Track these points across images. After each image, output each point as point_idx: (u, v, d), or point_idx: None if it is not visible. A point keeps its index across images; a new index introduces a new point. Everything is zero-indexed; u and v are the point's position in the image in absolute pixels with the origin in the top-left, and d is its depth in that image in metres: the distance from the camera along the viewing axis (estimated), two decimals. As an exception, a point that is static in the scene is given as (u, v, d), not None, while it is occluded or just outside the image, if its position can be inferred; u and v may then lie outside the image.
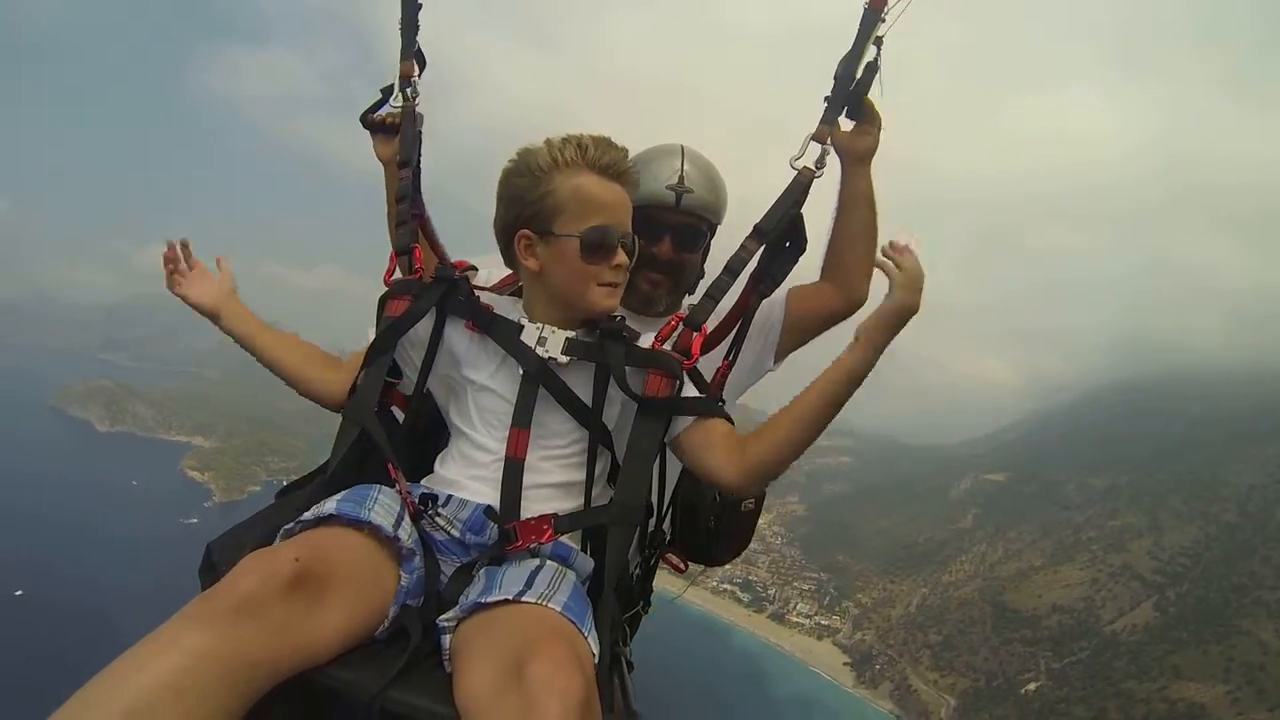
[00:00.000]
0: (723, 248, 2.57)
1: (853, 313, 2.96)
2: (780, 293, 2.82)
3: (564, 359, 2.15)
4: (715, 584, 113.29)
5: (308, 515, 1.92)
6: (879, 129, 2.70)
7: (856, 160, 2.74)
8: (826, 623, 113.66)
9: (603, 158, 2.13)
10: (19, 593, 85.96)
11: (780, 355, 3.02)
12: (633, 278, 2.43)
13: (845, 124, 2.69)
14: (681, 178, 2.78)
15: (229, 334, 2.58)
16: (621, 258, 2.17)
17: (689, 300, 2.97)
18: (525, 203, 2.17)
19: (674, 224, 2.79)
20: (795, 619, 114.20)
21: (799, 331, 2.98)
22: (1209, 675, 75.75)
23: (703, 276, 3.00)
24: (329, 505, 1.93)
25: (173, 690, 1.37)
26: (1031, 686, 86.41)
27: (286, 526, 1.92)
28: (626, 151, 2.20)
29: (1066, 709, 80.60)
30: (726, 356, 2.55)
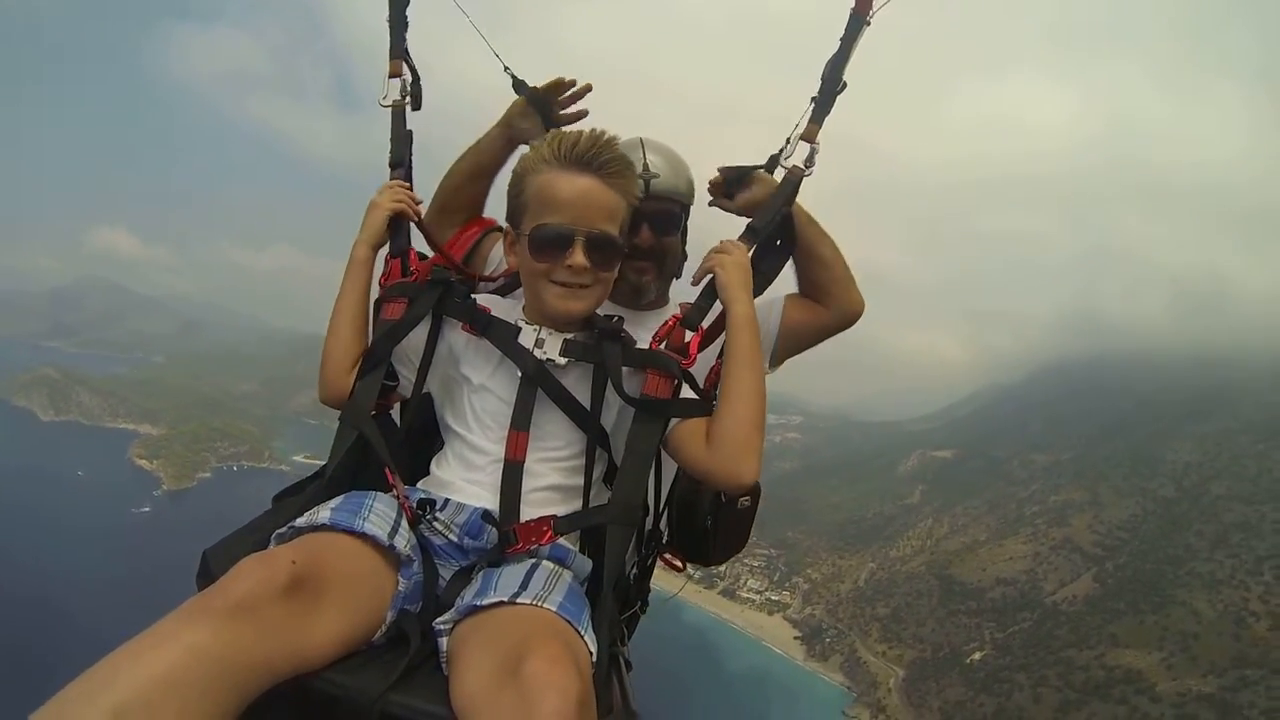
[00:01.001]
0: (711, 236, 2.60)
1: (851, 324, 2.95)
2: (779, 298, 2.90)
3: (562, 361, 2.16)
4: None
5: (301, 521, 1.91)
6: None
7: (783, 200, 2.71)
8: (777, 598, 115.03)
9: (573, 150, 2.11)
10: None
11: (775, 360, 2.96)
12: (620, 269, 2.36)
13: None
14: (646, 166, 2.77)
15: (351, 259, 2.46)
16: (576, 258, 2.11)
17: (676, 284, 3.03)
18: (508, 200, 2.25)
19: (648, 211, 2.72)
20: (746, 594, 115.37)
21: (794, 339, 2.94)
22: (1145, 643, 77.89)
23: (685, 259, 3.00)
24: (323, 514, 1.91)
25: (168, 686, 1.36)
26: (976, 656, 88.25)
27: (279, 531, 1.91)
28: (609, 142, 2.16)
29: (1009, 676, 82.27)
30: (721, 356, 2.44)
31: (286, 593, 1.58)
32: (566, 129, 2.18)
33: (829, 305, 2.88)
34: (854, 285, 2.87)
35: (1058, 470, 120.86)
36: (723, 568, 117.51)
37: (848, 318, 2.92)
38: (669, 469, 2.48)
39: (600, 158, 2.11)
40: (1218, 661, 73.08)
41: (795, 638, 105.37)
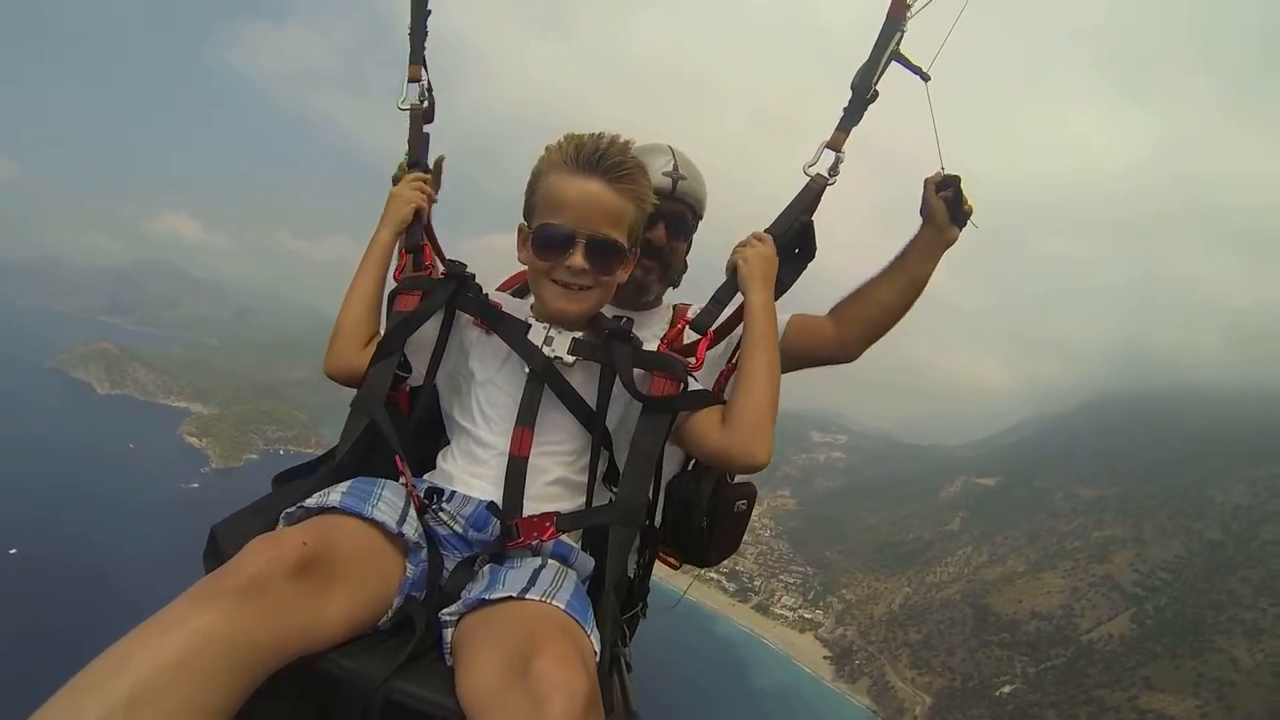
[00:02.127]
0: (719, 250, 2.65)
1: (839, 364, 2.99)
2: (784, 317, 2.90)
3: (570, 359, 2.16)
4: (701, 571, 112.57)
5: (311, 502, 1.89)
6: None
7: (942, 246, 2.76)
8: (810, 616, 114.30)
9: (580, 152, 2.11)
10: (13, 550, 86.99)
11: None
12: None
13: (942, 210, 2.69)
14: (676, 166, 2.82)
15: (375, 242, 2.55)
16: (576, 259, 2.13)
17: (672, 291, 3.08)
18: (525, 197, 2.27)
19: (668, 211, 2.78)
20: (779, 611, 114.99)
21: (791, 360, 2.88)
22: (1180, 689, 76.40)
23: (686, 269, 3.03)
24: (333, 496, 1.90)
25: (178, 669, 1.35)
26: (1006, 689, 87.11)
27: (288, 510, 1.90)
28: (621, 146, 2.16)
29: (1038, 713, 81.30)
30: (731, 359, 2.55)
31: (297, 573, 1.57)
32: (581, 131, 2.17)
33: (840, 340, 2.91)
34: (869, 346, 2.93)
35: (1102, 505, 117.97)
36: (759, 582, 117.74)
37: (843, 359, 2.97)
38: (668, 469, 2.45)
39: (608, 161, 2.11)
40: (1255, 712, 71.62)
41: (825, 657, 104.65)
